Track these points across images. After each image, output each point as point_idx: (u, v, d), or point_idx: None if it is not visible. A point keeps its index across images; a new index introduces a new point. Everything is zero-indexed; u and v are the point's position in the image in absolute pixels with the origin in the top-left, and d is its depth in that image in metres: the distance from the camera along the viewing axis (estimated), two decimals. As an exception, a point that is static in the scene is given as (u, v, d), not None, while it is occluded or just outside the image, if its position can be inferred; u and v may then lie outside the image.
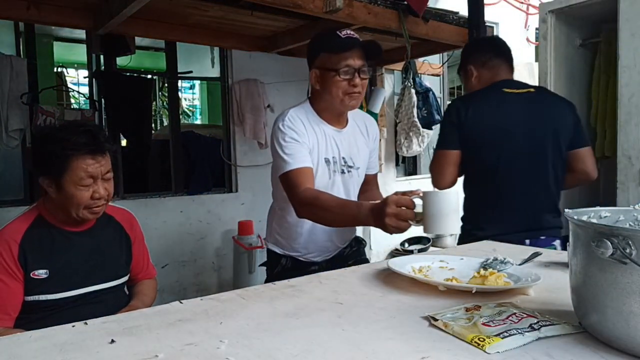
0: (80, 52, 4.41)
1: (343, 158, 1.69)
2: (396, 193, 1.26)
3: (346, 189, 1.70)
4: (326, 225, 1.60)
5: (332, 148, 1.66)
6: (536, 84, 2.71)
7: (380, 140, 2.46)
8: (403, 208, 1.20)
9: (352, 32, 1.59)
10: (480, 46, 2.04)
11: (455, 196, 1.23)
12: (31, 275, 1.40)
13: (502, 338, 0.66)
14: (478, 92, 1.89)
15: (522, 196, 1.79)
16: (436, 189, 1.32)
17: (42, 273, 1.42)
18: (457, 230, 1.30)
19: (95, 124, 3.43)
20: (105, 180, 1.48)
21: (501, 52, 1.92)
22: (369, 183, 1.85)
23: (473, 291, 0.89)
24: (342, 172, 1.69)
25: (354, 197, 1.74)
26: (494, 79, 1.88)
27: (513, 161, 1.78)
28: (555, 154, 1.80)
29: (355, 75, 1.55)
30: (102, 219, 1.58)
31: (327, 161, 1.65)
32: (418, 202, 1.22)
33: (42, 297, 1.41)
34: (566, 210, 0.76)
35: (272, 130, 1.64)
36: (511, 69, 1.93)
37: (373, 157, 1.83)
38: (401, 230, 1.23)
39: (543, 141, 1.79)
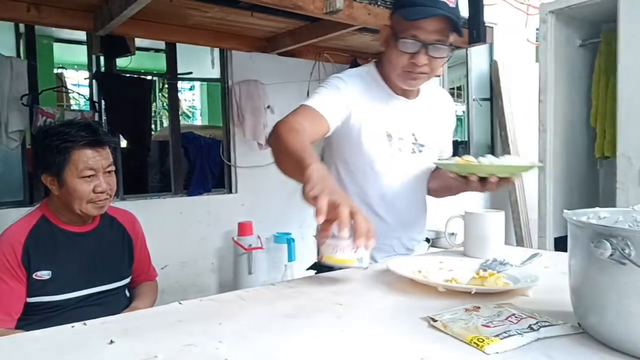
0: (80, 54, 4.40)
1: (413, 135, 1.39)
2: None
3: (416, 172, 1.42)
4: (278, 166, 1.17)
5: (398, 121, 1.35)
6: (537, 84, 2.72)
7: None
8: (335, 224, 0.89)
9: None
10: None
11: (500, 218, 1.19)
12: (34, 276, 1.40)
13: (501, 339, 0.66)
14: None
15: None
16: (479, 210, 1.20)
17: (45, 274, 1.41)
18: (502, 254, 1.16)
19: (95, 120, 3.45)
20: (107, 174, 1.48)
21: None
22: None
23: (472, 292, 0.89)
24: (413, 151, 1.40)
25: (423, 183, 1.49)
26: None
27: None
28: None
29: (421, 51, 1.22)
30: (105, 220, 1.58)
31: (388, 136, 1.35)
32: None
33: (45, 299, 1.41)
34: (565, 211, 0.76)
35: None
36: None
37: (448, 139, 1.55)
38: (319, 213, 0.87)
39: None
